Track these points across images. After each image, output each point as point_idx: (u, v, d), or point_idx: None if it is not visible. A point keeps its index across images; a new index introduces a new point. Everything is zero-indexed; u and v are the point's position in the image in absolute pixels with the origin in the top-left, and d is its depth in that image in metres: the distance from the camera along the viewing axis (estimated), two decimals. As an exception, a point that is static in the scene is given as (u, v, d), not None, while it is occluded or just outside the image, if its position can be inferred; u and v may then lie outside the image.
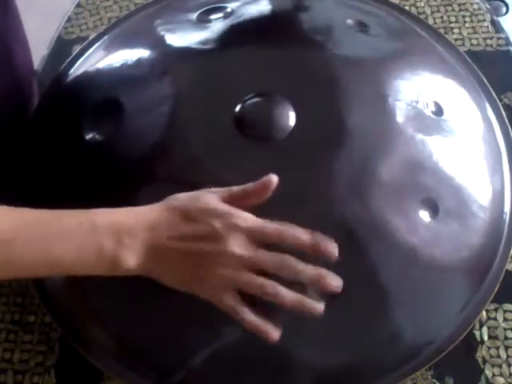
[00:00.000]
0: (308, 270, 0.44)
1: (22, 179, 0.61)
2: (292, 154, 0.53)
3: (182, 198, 0.47)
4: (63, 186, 0.57)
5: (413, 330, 0.53)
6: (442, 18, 0.75)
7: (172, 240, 0.45)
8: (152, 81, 0.58)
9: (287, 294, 0.44)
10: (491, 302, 0.55)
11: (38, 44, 0.74)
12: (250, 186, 0.46)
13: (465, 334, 0.53)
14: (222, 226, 0.44)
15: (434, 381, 0.56)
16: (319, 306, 0.45)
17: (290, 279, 0.45)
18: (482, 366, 0.56)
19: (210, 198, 0.46)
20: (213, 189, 0.47)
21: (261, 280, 0.44)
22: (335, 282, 0.45)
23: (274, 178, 0.46)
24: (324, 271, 0.45)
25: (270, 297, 0.44)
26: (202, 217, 0.45)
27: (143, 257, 0.46)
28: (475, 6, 0.75)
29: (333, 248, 0.45)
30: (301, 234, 0.45)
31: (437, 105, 0.58)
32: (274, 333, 0.45)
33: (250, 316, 0.45)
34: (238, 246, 0.44)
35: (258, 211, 0.48)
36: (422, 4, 0.75)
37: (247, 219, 0.45)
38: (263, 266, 0.44)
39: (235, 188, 0.47)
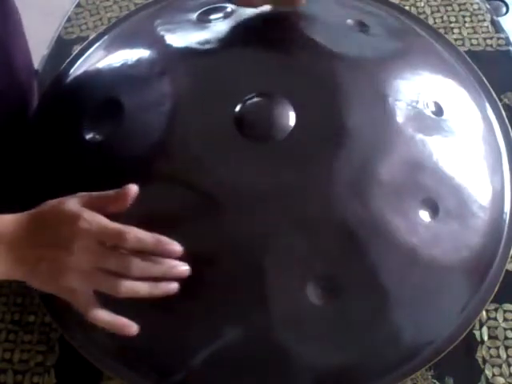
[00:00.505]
0: (156, 268, 0.47)
1: (22, 179, 0.61)
2: (292, 154, 0.53)
3: (47, 204, 0.49)
4: (63, 186, 0.57)
5: (413, 330, 0.53)
6: (442, 17, 0.75)
7: (28, 248, 0.48)
8: (152, 81, 0.58)
9: (140, 286, 0.47)
10: (491, 301, 0.55)
11: (38, 44, 0.75)
12: (110, 192, 0.49)
13: (465, 334, 0.53)
14: (70, 231, 0.47)
15: (434, 381, 0.56)
16: (173, 286, 0.48)
17: (137, 276, 0.47)
18: (482, 366, 0.56)
19: (71, 202, 0.48)
20: (79, 193, 0.49)
21: (111, 279, 0.47)
22: (183, 268, 0.48)
23: (133, 188, 0.48)
24: (169, 263, 0.48)
25: (122, 293, 0.47)
26: (54, 223, 0.47)
27: (7, 264, 0.48)
28: (475, 6, 0.75)
29: (174, 246, 0.48)
30: (142, 235, 0.47)
31: (437, 105, 0.58)
32: (131, 327, 0.48)
33: (103, 315, 0.48)
34: (83, 250, 0.46)
35: (258, 211, 0.48)
36: (422, 4, 0.75)
37: (92, 222, 0.47)
38: (108, 265, 0.47)
39: (95, 194, 0.49)
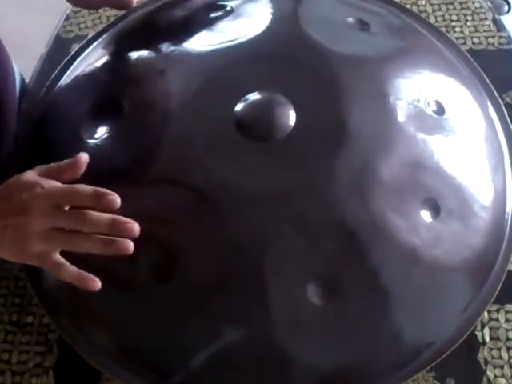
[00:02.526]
0: (104, 218, 0.49)
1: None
2: (292, 154, 0.53)
3: (11, 178, 0.52)
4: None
5: (414, 331, 0.52)
6: (443, 16, 0.74)
7: None
8: (151, 80, 0.58)
9: (96, 243, 0.49)
10: (493, 302, 0.55)
11: (37, 43, 0.74)
12: (63, 162, 0.52)
13: (466, 335, 0.53)
14: (28, 197, 0.50)
15: (436, 382, 0.55)
16: (129, 245, 0.49)
17: (90, 231, 0.49)
18: (484, 368, 0.56)
19: (29, 173, 0.51)
20: (38, 166, 0.53)
21: (68, 235, 0.50)
22: (131, 225, 0.50)
23: (83, 156, 0.51)
24: (120, 218, 0.49)
25: (83, 248, 0.49)
26: (15, 192, 0.50)
27: None
28: (477, 5, 0.75)
29: (114, 197, 0.49)
30: (84, 189, 0.50)
31: (438, 104, 0.58)
32: (95, 282, 0.50)
33: (70, 269, 0.50)
34: (40, 213, 0.49)
35: (258, 211, 0.48)
36: (424, 2, 0.75)
37: (44, 186, 0.50)
38: (64, 223, 0.49)
39: (51, 164, 0.53)
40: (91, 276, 0.50)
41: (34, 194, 0.49)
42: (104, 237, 0.49)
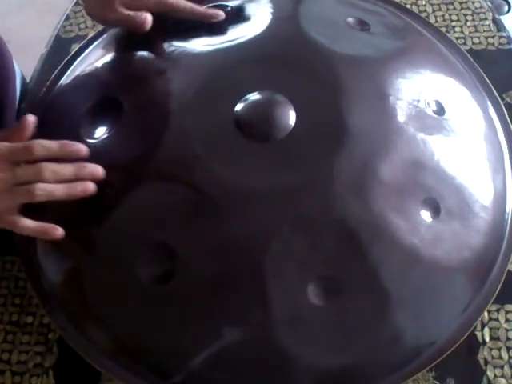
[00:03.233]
0: (67, 165, 0.51)
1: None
2: (292, 154, 0.53)
3: None
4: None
5: (414, 330, 0.52)
6: (443, 16, 0.74)
7: None
8: (151, 80, 0.58)
9: (55, 187, 0.51)
10: (493, 302, 0.55)
11: (37, 43, 0.74)
12: (15, 125, 0.54)
13: (466, 335, 0.53)
14: None
15: (436, 382, 0.55)
16: (90, 185, 0.51)
17: (50, 180, 0.51)
18: (484, 368, 0.56)
19: None
20: None
21: (26, 187, 0.50)
22: (94, 167, 0.52)
23: (30, 118, 0.53)
24: (79, 164, 0.51)
25: (46, 194, 0.50)
26: None
27: None
28: (477, 5, 0.75)
29: (79, 147, 0.52)
30: (47, 142, 0.51)
31: (438, 104, 0.58)
32: (56, 229, 0.51)
33: (28, 222, 0.51)
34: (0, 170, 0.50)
35: (258, 211, 0.47)
36: (424, 2, 0.75)
37: (1, 148, 0.51)
38: (22, 178, 0.50)
39: (6, 130, 0.55)
40: (51, 225, 0.51)
41: None
42: (62, 184, 0.50)
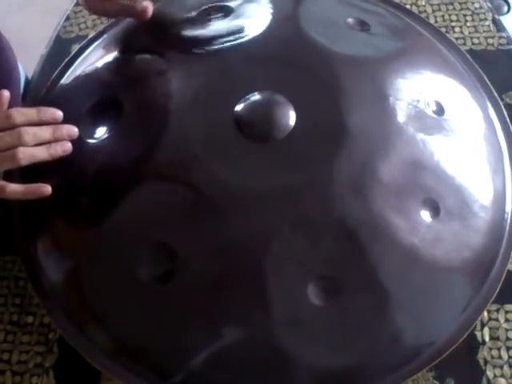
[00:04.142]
0: (44, 129, 0.52)
1: (21, 177, 0.60)
2: (292, 154, 0.53)
3: None
4: (62, 185, 0.57)
5: (414, 330, 0.52)
6: (443, 16, 0.74)
7: None
8: (151, 80, 0.58)
9: (36, 149, 0.52)
10: (493, 302, 0.55)
11: (37, 43, 0.74)
12: None
13: (466, 335, 0.53)
14: None
15: (435, 382, 0.55)
16: (67, 145, 0.53)
17: (31, 143, 0.51)
18: (484, 367, 0.56)
19: None
20: None
21: (8, 152, 0.51)
22: (70, 127, 0.54)
23: (4, 92, 0.53)
24: (56, 126, 0.53)
25: (21, 160, 0.51)
26: None
27: None
28: (476, 5, 0.75)
29: (54, 110, 0.54)
30: (25, 109, 0.53)
31: (438, 104, 0.58)
32: (45, 187, 0.52)
33: (14, 185, 0.52)
34: None
35: (258, 211, 0.47)
36: (423, 3, 0.75)
37: None
38: (8, 143, 0.51)
39: None
40: (38, 184, 0.52)
41: None
42: (42, 146, 0.52)
